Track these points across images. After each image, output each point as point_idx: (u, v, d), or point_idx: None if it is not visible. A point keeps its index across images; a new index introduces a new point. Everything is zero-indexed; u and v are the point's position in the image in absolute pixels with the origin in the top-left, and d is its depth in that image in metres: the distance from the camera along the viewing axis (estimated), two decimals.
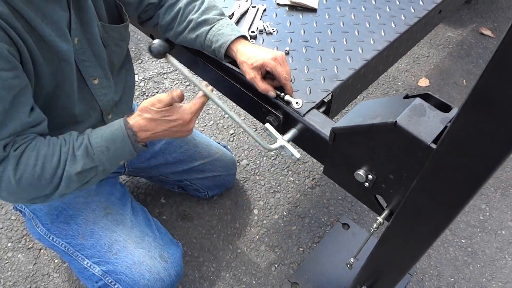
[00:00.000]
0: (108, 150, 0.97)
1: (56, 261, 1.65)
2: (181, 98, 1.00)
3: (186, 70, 0.98)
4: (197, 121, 2.13)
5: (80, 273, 1.24)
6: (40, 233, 1.23)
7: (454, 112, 0.81)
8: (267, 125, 1.05)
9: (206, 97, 1.03)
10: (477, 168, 0.62)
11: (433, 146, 0.74)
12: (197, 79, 0.99)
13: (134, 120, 1.00)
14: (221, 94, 1.27)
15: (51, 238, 1.21)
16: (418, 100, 0.82)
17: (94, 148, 0.96)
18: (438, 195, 0.73)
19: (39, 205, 1.23)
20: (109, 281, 1.19)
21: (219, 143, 1.73)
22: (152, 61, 2.45)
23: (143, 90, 2.27)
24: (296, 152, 1.02)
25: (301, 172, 1.95)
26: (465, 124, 0.59)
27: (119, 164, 1.02)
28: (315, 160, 1.81)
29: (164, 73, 2.38)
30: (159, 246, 1.24)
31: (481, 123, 0.56)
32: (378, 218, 0.96)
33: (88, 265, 1.21)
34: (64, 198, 1.20)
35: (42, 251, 1.68)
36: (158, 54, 0.92)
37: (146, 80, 2.33)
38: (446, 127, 0.77)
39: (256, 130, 2.12)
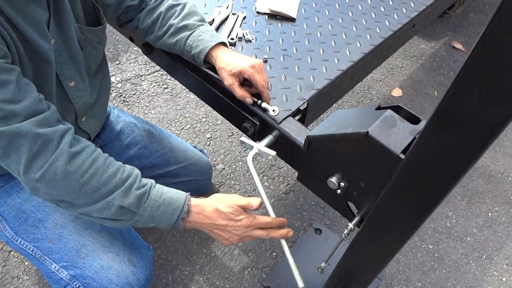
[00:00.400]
0: (157, 209, 0.98)
1: (26, 263, 1.63)
2: (256, 207, 1.05)
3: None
4: (173, 124, 2.13)
5: (48, 277, 1.22)
6: (7, 236, 1.20)
7: (422, 124, 0.85)
8: (242, 138, 1.08)
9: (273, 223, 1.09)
10: (442, 179, 0.66)
11: (402, 156, 0.78)
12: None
13: (201, 201, 1.04)
14: (198, 99, 1.28)
15: (18, 241, 1.19)
16: (389, 111, 0.86)
17: (150, 199, 0.97)
18: (406, 204, 0.76)
19: (8, 207, 1.20)
20: (77, 285, 1.17)
21: (195, 147, 1.74)
22: (130, 63, 2.44)
23: (120, 91, 2.27)
24: (270, 151, 1.04)
25: (276, 178, 1.98)
26: (431, 137, 0.62)
27: (148, 225, 1.02)
28: (289, 166, 1.85)
29: (142, 75, 2.38)
30: (128, 250, 1.23)
31: (446, 137, 0.59)
32: (349, 224, 0.99)
33: (56, 269, 1.19)
34: (33, 201, 1.18)
35: (12, 253, 1.65)
36: None
37: (123, 82, 2.32)
38: (414, 138, 0.81)
39: (232, 134, 2.13)
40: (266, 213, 1.08)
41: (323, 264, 1.13)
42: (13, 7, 0.84)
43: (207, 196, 1.09)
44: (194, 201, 1.03)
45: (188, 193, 1.04)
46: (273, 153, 1.03)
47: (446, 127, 0.59)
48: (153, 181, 1.02)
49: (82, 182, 0.90)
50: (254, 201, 1.05)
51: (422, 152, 0.65)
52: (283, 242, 1.08)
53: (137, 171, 1.00)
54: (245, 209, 1.06)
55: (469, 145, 0.59)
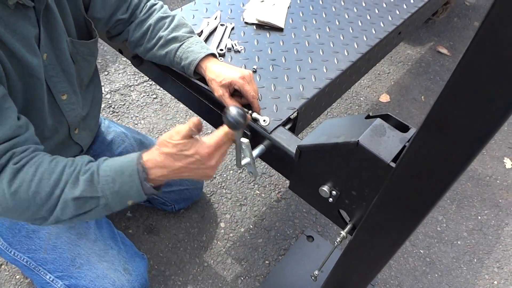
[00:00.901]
0: (114, 183, 0.89)
1: (17, 276, 1.61)
2: (198, 127, 0.90)
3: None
4: (163, 134, 2.13)
5: None
6: (1, 248, 1.20)
7: (411, 132, 0.86)
8: (247, 141, 0.98)
9: (230, 132, 0.92)
10: (432, 186, 0.67)
11: (392, 164, 0.79)
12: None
13: (150, 155, 0.91)
14: (188, 108, 1.28)
15: (12, 252, 1.19)
16: (378, 120, 0.87)
17: (101, 176, 0.88)
18: (397, 211, 0.77)
19: (1, 219, 1.21)
20: None
21: None
22: (119, 73, 2.44)
23: (110, 102, 2.26)
24: (256, 172, 1.04)
25: (267, 186, 1.98)
26: (421, 145, 0.63)
27: (126, 204, 0.93)
28: (280, 174, 1.86)
29: (131, 85, 2.37)
30: (123, 259, 1.23)
31: (436, 145, 0.61)
32: (342, 232, 1.00)
33: (51, 279, 1.19)
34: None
35: (3, 266, 1.63)
36: (235, 125, 0.85)
37: (112, 92, 2.32)
38: (404, 146, 0.82)
39: None
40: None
41: (316, 272, 1.14)
42: (2, 24, 0.84)
43: None
44: (145, 156, 0.91)
45: (138, 153, 0.93)
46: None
47: (436, 136, 0.60)
48: (101, 158, 0.94)
49: (31, 192, 0.85)
50: (194, 119, 0.91)
51: (413, 160, 0.66)
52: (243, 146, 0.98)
53: (85, 158, 0.93)
54: (192, 136, 0.91)
55: (458, 154, 0.60)
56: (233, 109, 0.85)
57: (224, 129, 0.91)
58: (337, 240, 1.01)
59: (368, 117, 0.93)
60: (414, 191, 0.71)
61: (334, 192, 0.96)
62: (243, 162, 1.02)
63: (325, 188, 0.96)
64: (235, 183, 1.98)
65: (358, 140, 0.81)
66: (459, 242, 1.89)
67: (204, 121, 1.31)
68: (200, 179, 0.98)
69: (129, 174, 0.89)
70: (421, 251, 1.84)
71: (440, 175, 0.64)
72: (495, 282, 1.77)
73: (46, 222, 0.89)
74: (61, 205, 0.87)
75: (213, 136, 0.92)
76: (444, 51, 2.92)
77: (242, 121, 0.84)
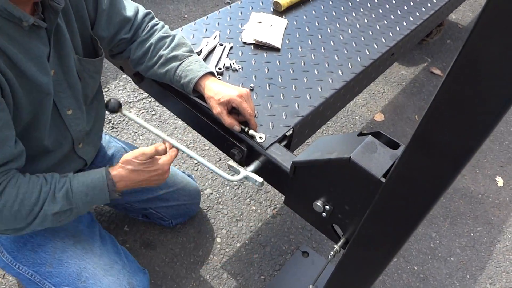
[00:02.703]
0: (86, 196, 1.06)
1: None
2: (165, 152, 1.13)
3: (144, 122, 1.19)
4: None
5: None
6: (5, 261, 1.22)
7: (401, 149, 0.90)
8: (230, 162, 1.13)
9: (176, 149, 1.19)
10: (420, 201, 0.70)
11: (383, 180, 0.83)
12: (158, 131, 1.21)
13: (116, 171, 1.10)
14: (186, 125, 1.32)
15: (17, 266, 1.21)
16: (370, 137, 0.91)
17: (74, 192, 1.04)
18: (388, 225, 0.80)
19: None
20: None
21: (184, 172, 1.77)
22: (119, 90, 2.48)
23: (109, 118, 2.30)
24: (258, 177, 1.08)
25: (263, 202, 2.01)
26: (409, 162, 0.67)
27: (91, 208, 1.10)
28: (276, 190, 1.89)
29: (130, 102, 2.41)
30: (128, 274, 1.25)
31: (422, 162, 0.64)
32: (335, 246, 1.03)
33: None
34: None
35: None
36: (113, 110, 1.17)
37: None
38: (394, 162, 0.86)
39: (220, 159, 2.17)
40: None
41: (310, 287, 1.16)
42: (15, 44, 0.88)
43: None
44: (112, 171, 1.10)
45: (104, 168, 1.11)
46: (260, 179, 1.08)
47: (422, 153, 0.64)
48: (70, 174, 1.08)
49: (14, 211, 0.96)
50: (159, 147, 1.12)
51: (401, 176, 0.70)
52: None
53: (55, 176, 1.05)
54: (156, 155, 1.13)
55: (443, 169, 0.63)
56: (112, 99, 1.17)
57: (170, 148, 1.18)
58: (331, 254, 1.04)
59: (360, 134, 0.97)
60: (404, 205, 0.74)
61: (327, 207, 0.99)
62: (235, 178, 1.08)
63: (319, 203, 0.99)
64: (231, 199, 2.00)
65: (350, 156, 0.84)
66: (452, 259, 1.91)
67: (202, 136, 1.35)
68: (153, 185, 1.20)
69: (100, 188, 1.08)
70: (415, 267, 1.86)
71: (427, 189, 0.68)
72: None
73: (19, 232, 1.05)
74: (40, 220, 1.00)
75: (170, 155, 1.17)
76: (438, 72, 2.98)
77: (116, 107, 1.17)
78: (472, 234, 2.03)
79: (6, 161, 0.94)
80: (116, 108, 1.17)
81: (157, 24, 1.27)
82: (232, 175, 1.10)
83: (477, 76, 0.51)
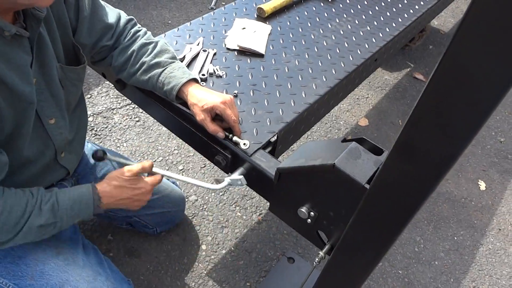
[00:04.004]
0: (71, 210, 1.07)
1: None
2: (150, 170, 1.20)
3: (124, 160, 1.27)
4: (146, 157, 2.15)
5: None
6: None
7: (385, 155, 0.90)
8: (216, 178, 1.15)
9: (160, 175, 1.25)
10: (403, 206, 0.70)
11: (367, 186, 0.83)
12: (146, 162, 1.22)
13: (101, 186, 1.14)
14: (169, 132, 1.31)
15: None
16: (354, 144, 0.91)
17: (60, 205, 1.05)
18: (372, 230, 0.80)
19: None
20: None
21: (168, 179, 1.76)
22: (102, 96, 2.45)
23: (92, 125, 2.27)
24: (239, 176, 1.09)
25: (249, 208, 2.00)
26: (392, 168, 0.67)
27: (74, 223, 1.12)
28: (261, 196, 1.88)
29: (113, 108, 2.39)
30: (111, 285, 1.23)
31: (405, 168, 0.64)
32: (320, 252, 1.03)
33: None
34: None
35: None
36: (100, 159, 1.22)
37: (95, 115, 2.33)
38: (378, 169, 0.86)
39: (204, 166, 2.16)
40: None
41: None
42: None
43: None
44: (99, 186, 1.14)
45: (90, 183, 1.14)
46: (240, 176, 1.10)
47: (405, 160, 0.64)
48: (56, 189, 1.09)
49: (1, 223, 0.96)
50: (145, 163, 1.19)
51: (385, 182, 0.70)
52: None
53: (40, 189, 1.06)
54: (140, 173, 1.19)
55: (425, 175, 0.64)
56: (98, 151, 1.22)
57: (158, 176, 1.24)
58: (316, 261, 1.03)
59: (344, 140, 0.97)
60: (388, 211, 0.74)
61: (312, 213, 0.98)
62: (218, 186, 1.08)
63: (304, 209, 0.99)
64: (216, 205, 1.99)
65: (335, 163, 0.84)
66: (436, 262, 1.93)
67: (187, 144, 1.34)
68: (133, 207, 1.23)
69: (86, 202, 1.10)
70: (400, 272, 1.87)
71: (411, 195, 0.68)
72: None
73: (2, 246, 1.02)
74: (24, 232, 1.00)
75: (154, 177, 1.23)
76: (420, 77, 3.02)
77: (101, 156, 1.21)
78: (455, 238, 2.05)
79: None
80: (102, 156, 1.22)
81: (139, 30, 1.26)
82: (217, 184, 1.10)
83: (458, 83, 0.51)
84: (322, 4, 1.84)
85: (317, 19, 1.73)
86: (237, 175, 1.11)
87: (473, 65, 0.48)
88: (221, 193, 2.04)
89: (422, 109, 0.57)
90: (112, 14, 1.20)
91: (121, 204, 1.18)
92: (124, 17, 1.25)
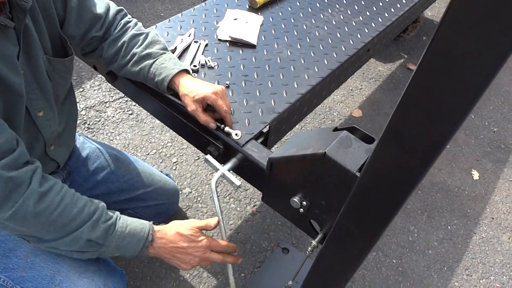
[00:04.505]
0: (123, 240, 1.04)
1: None
2: (211, 228, 1.16)
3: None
4: (139, 150, 2.14)
5: None
6: None
7: (376, 143, 0.90)
8: (208, 156, 1.11)
9: (229, 260, 1.19)
10: (394, 193, 0.70)
11: (358, 174, 0.83)
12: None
13: (162, 228, 1.12)
14: (163, 125, 1.31)
15: None
16: (345, 133, 0.91)
17: (116, 231, 1.04)
18: (363, 218, 0.81)
19: None
20: None
21: (161, 172, 1.76)
22: (94, 90, 2.44)
23: (85, 119, 2.26)
24: (236, 180, 1.08)
25: (242, 199, 2.01)
26: (382, 155, 0.67)
27: (113, 255, 1.08)
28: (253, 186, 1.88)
29: (106, 102, 2.38)
30: (103, 275, 1.23)
31: (395, 155, 0.65)
32: (313, 241, 1.03)
33: None
34: (1, 231, 1.18)
35: None
36: None
37: (87, 109, 2.32)
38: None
39: (198, 158, 2.16)
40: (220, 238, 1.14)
41: (290, 282, 1.16)
42: None
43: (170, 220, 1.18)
44: (157, 227, 1.11)
45: (151, 222, 1.10)
46: (238, 182, 1.09)
47: (395, 146, 0.64)
48: (118, 213, 1.08)
49: (51, 219, 0.94)
50: (211, 221, 1.15)
51: (375, 170, 0.70)
52: (230, 266, 1.21)
53: (102, 204, 1.06)
54: (203, 230, 1.16)
55: (414, 162, 0.64)
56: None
57: (229, 257, 1.19)
58: (308, 250, 1.04)
59: (335, 129, 0.97)
60: (378, 199, 0.74)
61: (304, 203, 0.99)
62: (216, 175, 1.08)
63: (296, 199, 0.99)
64: (210, 197, 1.99)
65: (326, 152, 0.85)
66: (430, 251, 1.94)
67: (179, 136, 1.34)
68: (180, 265, 1.17)
69: (138, 238, 1.06)
70: (394, 261, 1.88)
71: (401, 183, 0.68)
72: None
73: (40, 243, 1.00)
74: (71, 239, 0.98)
75: (218, 241, 1.17)
76: (414, 68, 3.01)
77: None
78: (449, 227, 2.06)
79: (14, 145, 0.91)
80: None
81: (130, 21, 1.25)
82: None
83: (445, 70, 0.51)
84: None
85: (309, 9, 1.72)
86: (234, 179, 1.10)
87: (459, 52, 0.48)
88: (216, 184, 2.04)
89: (410, 96, 0.57)
90: (101, 4, 1.19)
91: (171, 255, 1.12)
92: (114, 7, 1.24)
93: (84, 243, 1.00)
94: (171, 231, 1.12)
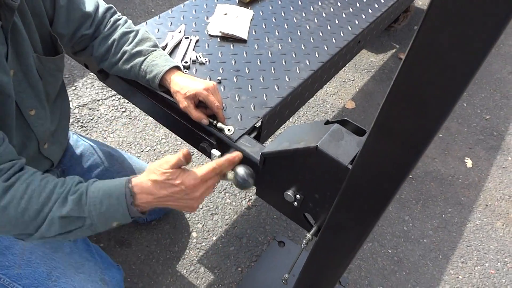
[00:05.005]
0: (101, 204, 0.92)
1: None
2: (187, 158, 0.95)
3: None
4: (133, 147, 2.14)
5: None
6: None
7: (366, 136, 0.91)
8: (214, 151, 1.08)
9: (218, 168, 0.97)
10: (385, 184, 0.71)
11: (350, 167, 0.84)
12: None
13: (138, 180, 0.95)
14: (156, 122, 1.31)
15: None
16: (336, 125, 0.92)
17: (89, 198, 0.92)
18: (356, 210, 0.81)
19: None
20: None
21: None
22: (87, 88, 2.43)
23: (78, 117, 2.25)
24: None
25: (238, 194, 2.01)
26: (372, 147, 0.68)
27: (111, 226, 0.96)
28: None
29: (99, 100, 2.37)
30: (99, 270, 1.24)
31: (385, 146, 0.65)
32: (307, 234, 1.04)
33: None
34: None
35: None
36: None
37: (80, 107, 2.31)
38: None
39: (193, 154, 2.16)
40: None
41: (286, 275, 1.17)
42: None
43: None
44: (133, 181, 0.95)
45: (127, 177, 0.96)
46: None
47: (384, 139, 0.65)
48: (91, 180, 0.97)
49: (20, 209, 0.87)
50: (181, 153, 0.96)
51: (366, 162, 0.71)
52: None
53: (76, 178, 0.96)
54: (181, 166, 0.97)
55: (405, 153, 0.64)
56: (241, 170, 0.97)
57: (213, 164, 0.96)
58: (303, 243, 1.05)
59: (327, 122, 0.98)
60: (370, 190, 0.75)
61: (298, 196, 0.99)
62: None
63: (290, 192, 1.00)
64: None
65: (317, 145, 0.85)
66: (425, 240, 1.96)
67: (172, 132, 1.34)
68: (184, 210, 1.04)
69: (117, 197, 0.92)
70: (389, 251, 1.89)
71: (391, 174, 0.69)
72: (460, 277, 1.85)
73: (30, 238, 0.92)
74: (47, 223, 0.89)
75: (201, 168, 0.96)
76: None
77: (250, 181, 0.97)
78: (443, 216, 2.08)
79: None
80: (249, 182, 0.99)
81: (119, 19, 1.25)
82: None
83: (431, 62, 0.52)
84: None
85: (299, 3, 1.72)
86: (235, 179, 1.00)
87: (444, 43, 0.49)
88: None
89: (398, 88, 0.58)
90: (90, 2, 1.19)
91: (164, 204, 0.97)
92: (103, 5, 1.23)
93: (60, 223, 0.89)
94: (146, 182, 0.94)
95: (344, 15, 1.68)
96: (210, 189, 0.99)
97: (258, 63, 1.38)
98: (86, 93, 2.41)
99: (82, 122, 2.24)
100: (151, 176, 0.94)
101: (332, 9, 1.71)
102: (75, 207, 0.90)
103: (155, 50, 1.20)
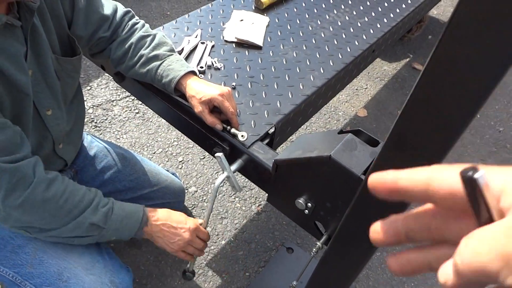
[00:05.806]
0: (121, 222, 1.11)
1: None
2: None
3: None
4: (146, 149, 2.16)
5: None
6: None
7: (381, 146, 0.91)
8: (221, 154, 1.11)
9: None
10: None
11: (363, 177, 0.84)
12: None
13: (152, 210, 1.20)
14: (169, 124, 1.32)
15: None
16: (350, 135, 0.92)
17: (114, 214, 1.10)
18: (368, 222, 0.81)
19: None
20: None
21: (167, 171, 1.77)
22: (101, 88, 2.46)
23: (92, 117, 2.28)
24: (238, 185, 1.10)
25: (248, 199, 2.02)
26: (387, 158, 0.68)
27: (111, 239, 1.15)
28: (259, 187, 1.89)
29: (113, 100, 2.40)
30: (109, 272, 1.25)
31: (400, 158, 0.65)
32: (318, 242, 1.04)
33: None
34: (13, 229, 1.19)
35: None
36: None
37: (94, 107, 2.34)
38: (374, 160, 0.87)
39: (204, 157, 2.17)
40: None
41: (294, 283, 1.17)
42: None
43: None
44: (149, 209, 1.20)
45: (143, 205, 1.19)
46: (240, 188, 1.15)
47: (398, 151, 0.65)
48: (112, 198, 1.15)
49: (58, 206, 0.99)
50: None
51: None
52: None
53: (99, 192, 1.12)
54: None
55: (419, 166, 0.65)
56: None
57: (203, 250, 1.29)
58: (313, 251, 1.05)
59: (340, 132, 0.98)
60: (383, 202, 0.75)
61: (309, 204, 1.00)
62: (222, 176, 1.08)
63: (301, 200, 1.00)
64: (216, 196, 2.00)
65: (331, 155, 0.86)
66: None
67: (186, 136, 1.35)
68: (169, 246, 1.23)
69: (135, 219, 1.14)
70: None
71: None
72: None
73: (41, 233, 1.06)
74: (75, 223, 1.04)
75: (203, 229, 1.26)
76: (419, 67, 3.02)
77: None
78: None
79: (20, 141, 0.96)
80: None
81: (137, 23, 1.27)
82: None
83: (450, 75, 0.52)
84: None
85: (315, 10, 1.73)
86: (236, 182, 1.13)
87: (464, 57, 0.49)
88: (220, 185, 2.05)
89: (416, 100, 0.58)
90: (108, 5, 1.21)
91: (162, 235, 1.20)
92: (121, 9, 1.25)
93: (87, 228, 1.05)
94: (162, 211, 1.21)
95: (359, 24, 1.69)
96: (192, 249, 1.25)
97: (273, 70, 1.39)
98: (101, 93, 2.43)
99: (96, 122, 2.26)
100: (167, 210, 1.23)
101: (347, 18, 1.72)
102: (103, 218, 1.07)
103: (172, 54, 1.22)
